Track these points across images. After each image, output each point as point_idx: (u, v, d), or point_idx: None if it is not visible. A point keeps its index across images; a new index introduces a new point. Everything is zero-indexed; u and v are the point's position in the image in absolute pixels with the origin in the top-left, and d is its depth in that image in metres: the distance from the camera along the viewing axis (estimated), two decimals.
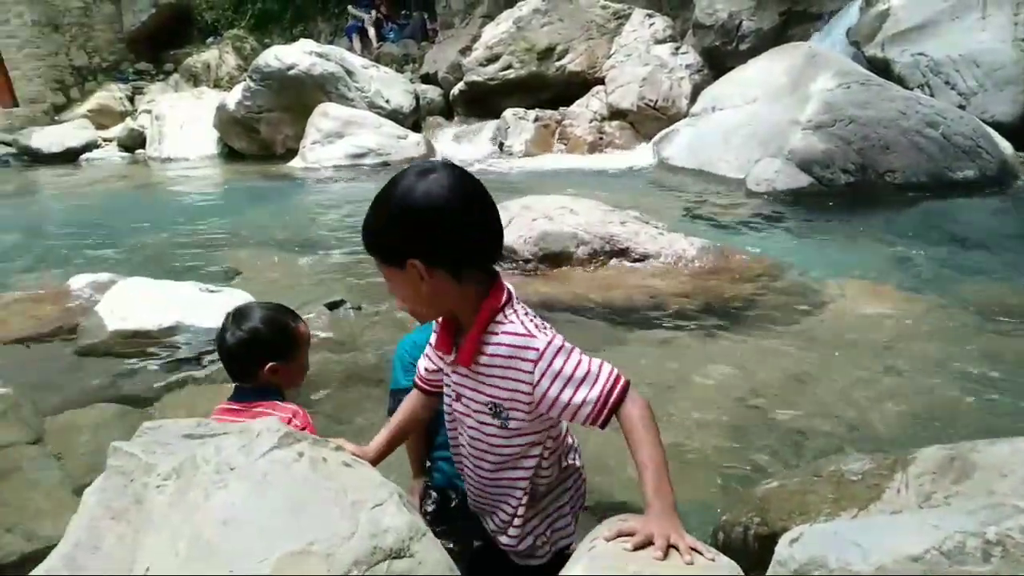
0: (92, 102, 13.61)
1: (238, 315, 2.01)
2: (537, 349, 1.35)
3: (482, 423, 1.48)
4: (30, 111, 13.60)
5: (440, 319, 1.50)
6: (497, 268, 1.45)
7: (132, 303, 3.51)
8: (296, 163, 10.12)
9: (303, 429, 1.69)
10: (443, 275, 1.34)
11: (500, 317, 1.39)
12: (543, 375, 1.36)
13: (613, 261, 4.50)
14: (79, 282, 4.22)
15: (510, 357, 1.37)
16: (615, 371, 1.40)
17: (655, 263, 4.45)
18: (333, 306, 3.87)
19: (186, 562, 1.17)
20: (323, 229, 6.53)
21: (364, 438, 2.18)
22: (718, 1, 10.04)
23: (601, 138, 10.03)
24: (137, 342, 3.23)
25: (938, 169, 6.56)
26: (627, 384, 1.40)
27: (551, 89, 10.80)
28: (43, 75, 14.09)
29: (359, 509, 1.28)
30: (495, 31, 11.11)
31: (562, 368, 1.36)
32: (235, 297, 3.53)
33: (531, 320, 1.42)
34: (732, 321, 3.72)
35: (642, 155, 9.34)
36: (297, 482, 1.31)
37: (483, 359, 1.40)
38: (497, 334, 1.38)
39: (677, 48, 10.38)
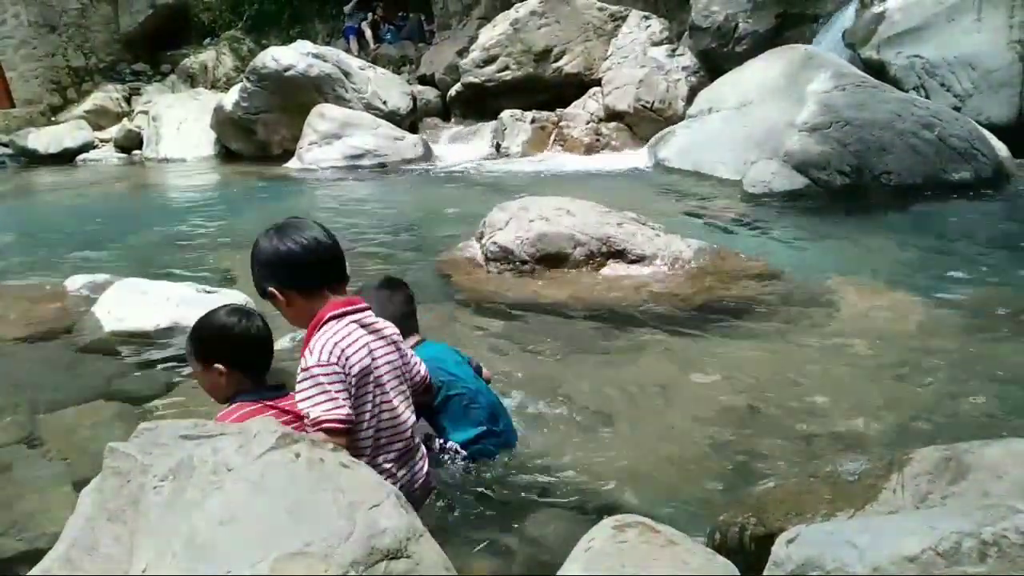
0: (89, 103, 13.59)
1: (244, 312, 2.07)
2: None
3: None
4: (27, 112, 13.57)
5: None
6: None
7: (129, 303, 3.50)
8: (293, 164, 10.11)
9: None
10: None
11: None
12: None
13: (610, 262, 4.50)
14: (76, 282, 4.20)
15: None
16: (324, 417, 1.79)
17: (652, 264, 4.46)
18: None
19: (183, 563, 1.17)
20: None
21: None
22: (714, 3, 10.07)
23: (598, 140, 10.04)
24: (134, 342, 3.22)
25: (933, 171, 6.58)
26: (327, 428, 1.78)
27: (548, 91, 10.81)
28: (40, 76, 14.06)
29: (356, 510, 1.28)
30: (492, 33, 11.12)
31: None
32: (232, 298, 3.52)
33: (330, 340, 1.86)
34: (729, 322, 3.73)
35: (639, 157, 9.34)
36: (295, 483, 1.31)
37: None
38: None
39: (673, 50, 10.40)
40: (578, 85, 10.69)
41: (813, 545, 1.22)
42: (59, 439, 2.40)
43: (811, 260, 5.02)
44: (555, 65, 10.79)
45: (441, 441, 2.34)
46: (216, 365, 2.01)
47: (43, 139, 12.27)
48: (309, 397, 1.81)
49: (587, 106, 10.43)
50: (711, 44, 10.13)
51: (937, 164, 6.60)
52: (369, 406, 1.90)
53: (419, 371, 2.18)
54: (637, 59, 10.28)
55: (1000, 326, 3.58)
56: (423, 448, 2.13)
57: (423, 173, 9.57)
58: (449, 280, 4.53)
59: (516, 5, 11.29)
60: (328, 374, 1.81)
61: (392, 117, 10.88)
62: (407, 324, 2.42)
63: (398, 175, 9.44)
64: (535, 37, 10.79)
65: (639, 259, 4.49)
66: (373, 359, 1.93)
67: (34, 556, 1.71)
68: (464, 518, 2.12)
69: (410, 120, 11.30)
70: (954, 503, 1.46)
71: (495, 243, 4.61)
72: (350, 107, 10.68)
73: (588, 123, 10.20)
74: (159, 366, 3.25)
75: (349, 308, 1.93)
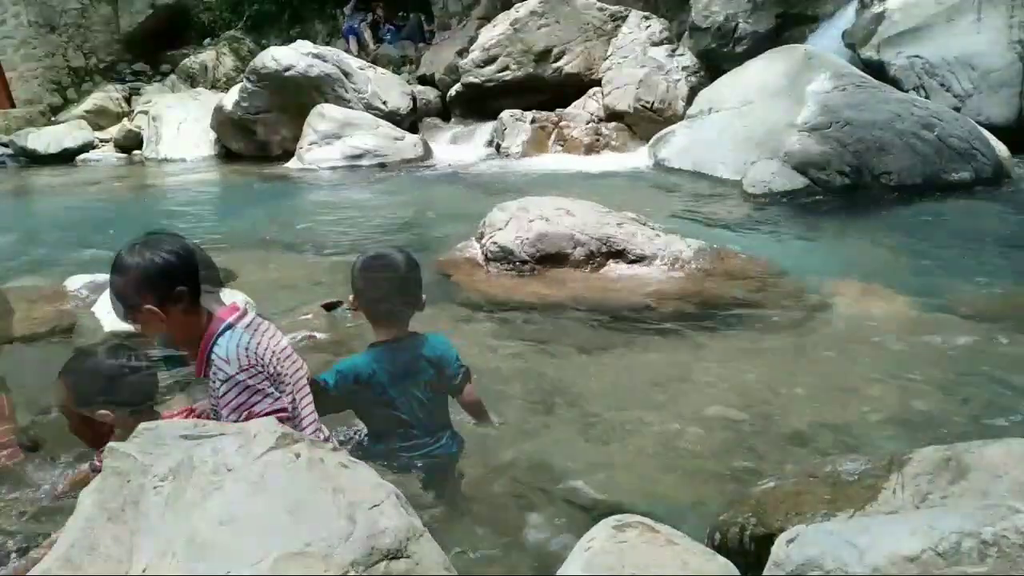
0: (89, 103, 13.56)
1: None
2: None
3: None
4: (27, 112, 13.55)
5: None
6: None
7: None
8: (293, 164, 10.10)
9: None
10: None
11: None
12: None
13: (610, 262, 4.50)
14: (76, 283, 4.20)
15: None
16: (269, 411, 1.81)
17: (652, 264, 4.46)
18: (331, 307, 3.86)
19: (183, 563, 1.17)
20: (320, 230, 6.53)
21: (350, 439, 2.18)
22: (714, 3, 10.07)
23: (598, 140, 10.04)
24: (133, 343, 3.22)
25: (933, 171, 6.58)
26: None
27: (548, 91, 10.80)
28: (40, 76, 14.04)
29: (356, 509, 1.28)
30: (492, 33, 11.11)
31: None
32: (231, 298, 3.52)
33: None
34: (728, 322, 3.73)
35: (639, 157, 9.34)
36: (295, 483, 1.31)
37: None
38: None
39: (673, 50, 10.40)
40: (578, 85, 10.69)
41: (813, 545, 1.22)
42: (57, 439, 2.40)
43: (811, 260, 5.02)
44: (555, 65, 10.79)
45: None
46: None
47: (43, 139, 12.24)
48: (242, 404, 1.82)
49: (587, 106, 10.42)
50: (711, 44, 10.13)
51: (937, 164, 6.60)
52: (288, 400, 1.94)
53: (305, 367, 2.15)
54: (637, 59, 10.28)
55: (1001, 325, 3.58)
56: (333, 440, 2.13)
57: (423, 173, 9.57)
58: (449, 280, 4.53)
59: (516, 5, 11.28)
60: (253, 376, 1.84)
61: (392, 117, 10.87)
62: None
63: (398, 175, 9.44)
64: (535, 37, 10.79)
65: (639, 259, 4.49)
66: (279, 359, 1.95)
67: (34, 558, 1.71)
68: (464, 518, 2.13)
69: (410, 120, 11.30)
70: (954, 503, 1.46)
71: (495, 243, 4.61)
72: (350, 107, 10.68)
73: (588, 123, 10.20)
74: (158, 366, 3.24)
75: (237, 315, 1.94)
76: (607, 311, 3.90)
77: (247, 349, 1.86)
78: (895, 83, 7.82)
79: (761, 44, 9.54)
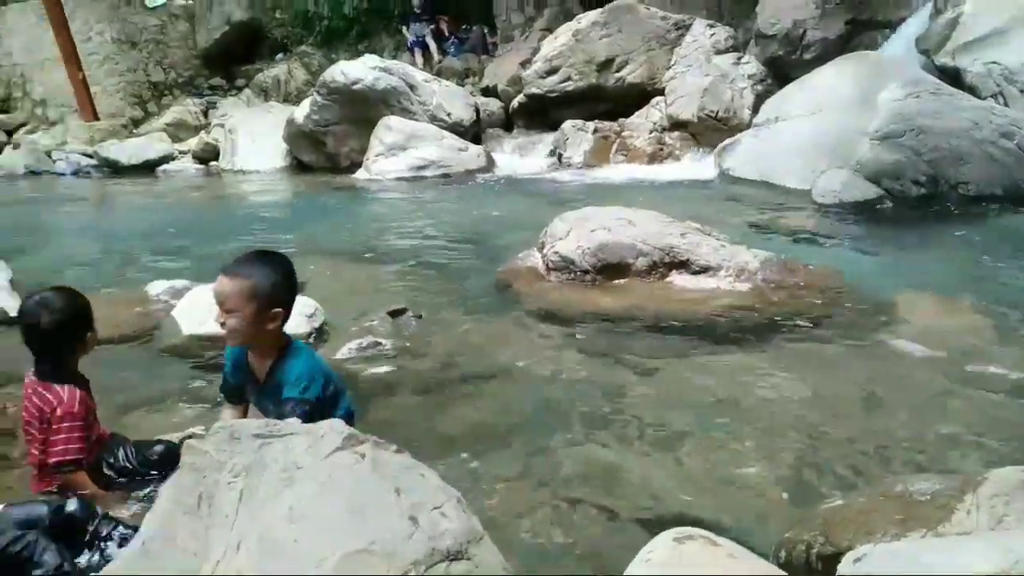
0: (169, 116, 14.17)
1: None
2: None
3: None
4: (110, 124, 14.23)
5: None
6: None
7: (206, 308, 3.64)
8: (360, 175, 10.34)
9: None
10: None
11: None
12: None
13: (673, 273, 4.46)
14: (156, 288, 4.42)
15: None
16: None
17: (717, 275, 4.39)
18: (395, 314, 3.94)
19: (255, 557, 1.22)
20: (386, 239, 6.66)
21: (414, 444, 2.23)
22: (781, 10, 9.88)
23: (661, 149, 9.96)
24: (211, 345, 3.35)
25: (1013, 181, 6.31)
26: None
27: (610, 100, 10.77)
28: (122, 90, 14.75)
29: (419, 511, 1.31)
30: (554, 44, 11.16)
31: None
32: (302, 304, 3.63)
33: None
34: (797, 336, 3.65)
35: (703, 166, 9.22)
36: (360, 483, 1.35)
37: None
38: None
39: (739, 58, 10.24)
40: (641, 95, 10.62)
41: (880, 565, 1.19)
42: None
43: (883, 272, 4.86)
44: (617, 75, 10.75)
45: None
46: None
47: (126, 151, 12.84)
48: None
49: (650, 116, 10.35)
50: (778, 52, 9.93)
51: (1017, 174, 6.32)
52: None
53: None
54: (701, 68, 10.16)
55: None
56: None
57: (486, 183, 9.66)
58: (510, 290, 4.56)
59: (578, 16, 11.30)
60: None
61: (456, 128, 11.02)
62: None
63: (461, 185, 9.56)
64: (597, 47, 10.78)
65: (703, 270, 4.44)
66: None
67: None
68: (524, 526, 2.14)
69: (473, 131, 11.43)
70: None
71: (556, 253, 4.62)
72: (415, 119, 10.87)
73: (651, 133, 10.12)
74: None
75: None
76: (670, 322, 3.86)
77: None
78: (972, 90, 7.51)
79: (830, 51, 9.31)
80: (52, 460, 2.20)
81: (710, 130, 9.75)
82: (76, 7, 14.08)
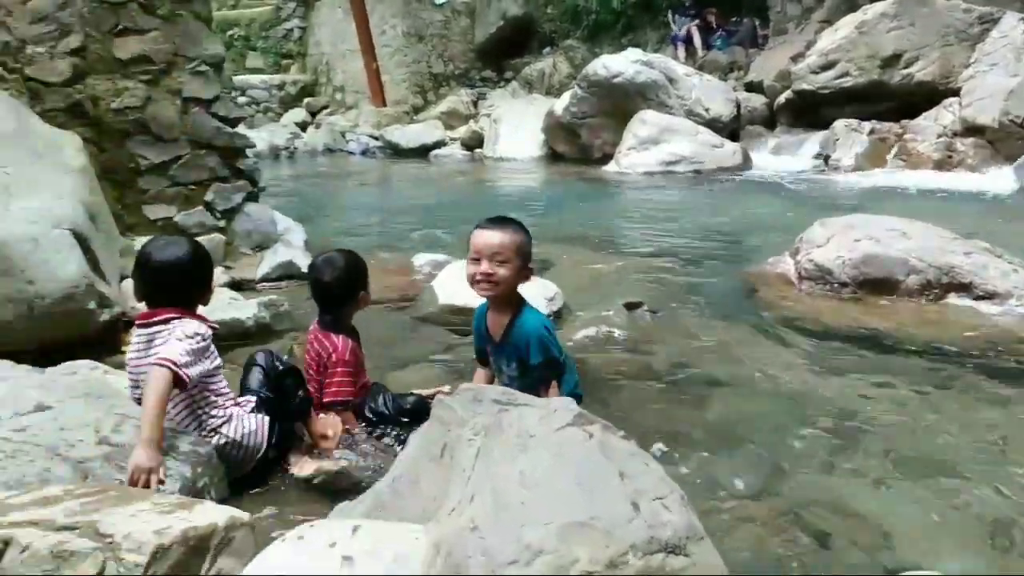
0: (444, 105, 15.46)
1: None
2: None
3: None
4: (395, 111, 15.87)
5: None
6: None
7: (460, 282, 3.95)
8: (611, 167, 10.48)
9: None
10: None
11: None
12: None
13: (950, 296, 3.98)
14: (420, 259, 4.97)
15: None
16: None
17: (1005, 303, 3.85)
18: (632, 307, 3.96)
19: (488, 509, 1.32)
20: (629, 232, 6.70)
21: (641, 434, 2.24)
22: None
23: (950, 156, 8.86)
24: (463, 316, 3.64)
25: None
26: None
27: (892, 100, 9.80)
28: (407, 80, 16.33)
29: (641, 497, 1.33)
30: (834, 37, 10.38)
31: None
32: (543, 286, 3.79)
33: None
34: None
35: (999, 179, 8.07)
36: (588, 459, 1.40)
37: None
38: None
39: None
40: (928, 94, 9.52)
41: None
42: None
43: None
44: (904, 72, 9.73)
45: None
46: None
47: (406, 135, 14.27)
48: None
49: (939, 118, 9.24)
50: None
51: None
52: None
53: None
54: (1008, 67, 8.85)
55: None
56: None
57: (739, 182, 9.29)
58: (755, 295, 4.37)
59: (864, 7, 10.38)
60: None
61: (713, 124, 10.72)
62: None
63: (713, 183, 9.29)
64: (884, 41, 9.83)
65: (988, 296, 3.91)
66: None
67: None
68: (742, 544, 2.06)
69: (732, 128, 11.03)
70: None
71: (812, 261, 4.33)
72: (672, 113, 10.75)
73: (939, 137, 9.04)
74: None
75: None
76: (941, 350, 3.44)
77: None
78: None
79: None
80: (327, 399, 2.55)
81: (1012, 138, 8.47)
82: (376, 3, 15.81)
